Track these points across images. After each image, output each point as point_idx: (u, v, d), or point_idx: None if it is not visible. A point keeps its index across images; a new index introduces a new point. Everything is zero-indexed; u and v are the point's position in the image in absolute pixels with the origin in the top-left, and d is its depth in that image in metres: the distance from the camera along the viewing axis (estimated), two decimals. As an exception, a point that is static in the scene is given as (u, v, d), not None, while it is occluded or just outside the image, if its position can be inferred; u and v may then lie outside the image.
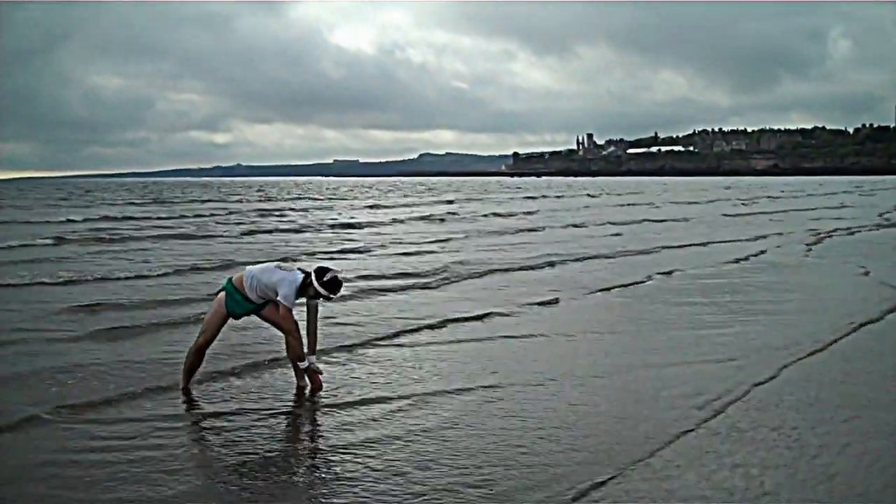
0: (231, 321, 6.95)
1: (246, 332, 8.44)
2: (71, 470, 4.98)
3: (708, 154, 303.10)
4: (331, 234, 24.20)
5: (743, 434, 5.59)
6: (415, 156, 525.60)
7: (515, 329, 9.35)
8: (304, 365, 6.74)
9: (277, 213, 37.12)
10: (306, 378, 6.81)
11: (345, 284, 12.32)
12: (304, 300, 6.73)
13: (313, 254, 17.96)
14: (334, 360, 7.80)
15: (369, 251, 18.80)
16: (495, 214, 34.95)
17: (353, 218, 31.90)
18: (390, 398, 6.51)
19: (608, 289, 12.59)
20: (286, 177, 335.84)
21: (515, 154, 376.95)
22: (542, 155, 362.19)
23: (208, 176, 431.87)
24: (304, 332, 6.77)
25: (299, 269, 6.80)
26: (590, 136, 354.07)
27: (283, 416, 6.15)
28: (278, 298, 6.58)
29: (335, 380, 7.04)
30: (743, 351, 8.04)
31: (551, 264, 15.88)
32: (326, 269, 6.66)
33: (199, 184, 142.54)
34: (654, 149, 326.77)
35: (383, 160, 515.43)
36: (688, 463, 5.05)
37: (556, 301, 11.34)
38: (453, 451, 5.29)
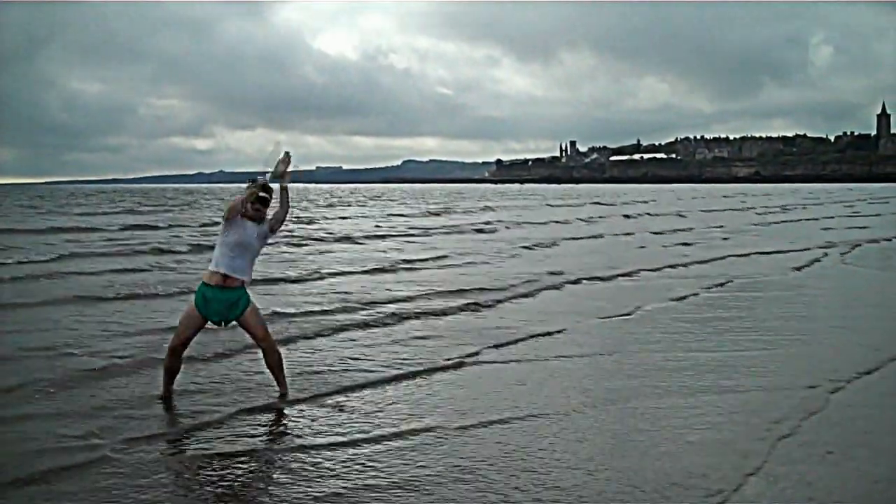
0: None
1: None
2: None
3: (690, 161, 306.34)
4: (390, 244, 24.73)
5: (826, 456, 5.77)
6: (398, 162, 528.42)
7: (589, 346, 9.41)
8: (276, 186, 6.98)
9: (308, 221, 37.34)
10: (286, 385, 7.01)
11: (438, 298, 12.84)
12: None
13: (410, 261, 18.77)
14: (395, 387, 7.61)
15: (445, 258, 19.51)
16: (536, 223, 35.73)
17: (392, 228, 32.44)
18: (431, 427, 6.31)
19: (682, 298, 13.03)
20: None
21: (499, 161, 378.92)
22: (525, 162, 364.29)
23: (190, 182, 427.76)
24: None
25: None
26: (573, 143, 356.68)
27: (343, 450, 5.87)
28: (261, 232, 6.86)
29: (384, 411, 6.77)
30: (820, 368, 8.24)
31: (629, 274, 16.57)
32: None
33: (189, 190, 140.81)
34: (636, 156, 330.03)
35: (367, 167, 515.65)
36: (794, 480, 5.29)
37: (636, 310, 11.75)
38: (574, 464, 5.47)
